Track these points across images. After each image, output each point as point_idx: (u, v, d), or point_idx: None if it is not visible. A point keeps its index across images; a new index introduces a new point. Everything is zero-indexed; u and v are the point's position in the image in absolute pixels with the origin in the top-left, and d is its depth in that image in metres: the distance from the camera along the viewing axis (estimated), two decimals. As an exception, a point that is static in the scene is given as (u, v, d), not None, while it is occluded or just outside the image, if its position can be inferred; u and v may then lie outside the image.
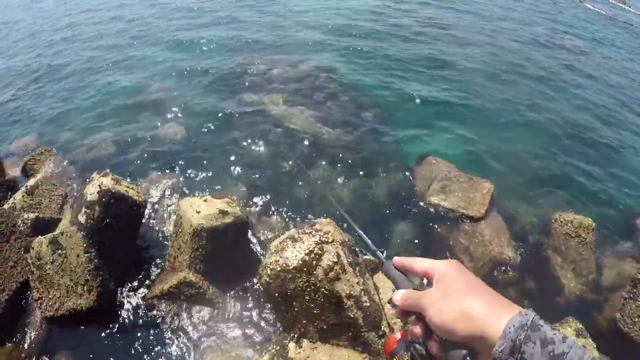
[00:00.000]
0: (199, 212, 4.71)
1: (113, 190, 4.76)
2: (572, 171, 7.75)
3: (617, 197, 7.33)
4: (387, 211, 6.56)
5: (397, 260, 1.27)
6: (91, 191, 4.73)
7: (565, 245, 6.16)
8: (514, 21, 15.63)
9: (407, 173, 7.24)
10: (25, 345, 4.77)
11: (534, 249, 6.24)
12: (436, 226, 6.34)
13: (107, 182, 4.81)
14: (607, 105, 10.19)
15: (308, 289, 3.86)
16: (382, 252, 1.51)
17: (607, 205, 7.14)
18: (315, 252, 3.86)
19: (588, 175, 7.73)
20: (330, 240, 3.97)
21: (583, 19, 17.00)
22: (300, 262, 3.81)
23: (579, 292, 5.77)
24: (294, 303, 3.99)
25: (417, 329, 1.11)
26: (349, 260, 3.98)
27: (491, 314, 0.93)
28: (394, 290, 1.23)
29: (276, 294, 4.02)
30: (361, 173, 7.18)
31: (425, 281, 1.20)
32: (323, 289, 3.81)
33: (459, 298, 1.00)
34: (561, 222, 6.32)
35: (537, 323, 0.87)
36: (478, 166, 7.48)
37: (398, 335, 1.26)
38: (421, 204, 6.64)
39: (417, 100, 9.49)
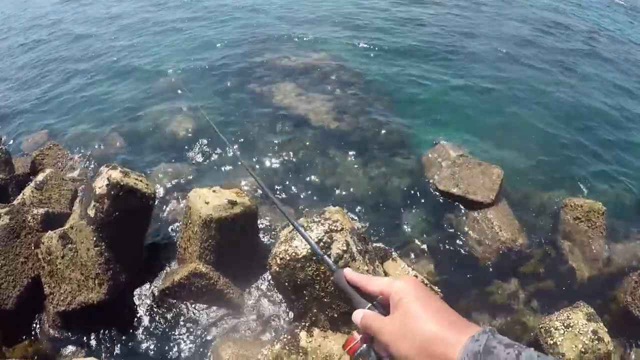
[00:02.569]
0: (207, 203, 4.71)
1: (122, 183, 4.76)
2: (582, 156, 7.71)
3: (627, 181, 7.29)
4: (397, 198, 6.57)
5: (349, 274, 1.19)
6: (100, 184, 4.74)
7: (576, 229, 6.13)
8: (525, 7, 15.47)
9: (416, 160, 7.23)
10: (39, 340, 4.82)
11: (544, 233, 6.22)
12: (446, 212, 6.34)
13: (116, 175, 4.81)
14: (618, 90, 10.11)
15: (317, 278, 3.86)
16: (329, 257, 1.42)
17: (617, 190, 7.10)
18: (324, 240, 3.86)
19: (598, 160, 7.69)
20: (339, 229, 3.96)
21: (595, 4, 16.80)
22: (309, 251, 3.81)
23: (590, 276, 5.75)
24: (304, 292, 4.00)
25: (383, 352, 1.07)
26: (358, 248, 3.98)
27: (448, 346, 0.89)
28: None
29: (286, 283, 4.03)
30: (371, 161, 7.18)
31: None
32: (333, 278, 3.80)
33: (417, 332, 0.94)
34: (571, 206, 6.28)
35: (490, 346, 0.83)
36: (488, 152, 7.46)
37: (357, 336, 1.15)
38: (431, 190, 6.64)
39: (427, 88, 9.45)
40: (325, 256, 1.39)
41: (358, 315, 1.10)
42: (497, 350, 0.82)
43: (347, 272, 1.19)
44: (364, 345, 1.12)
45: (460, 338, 0.88)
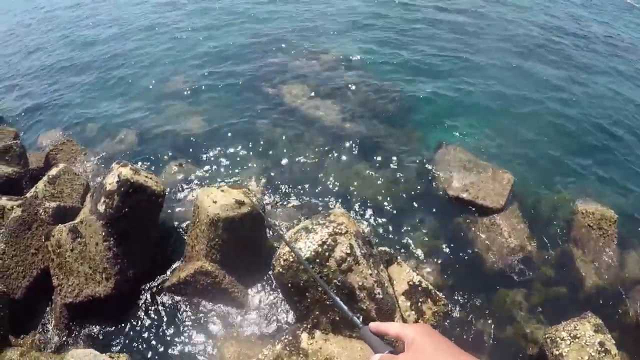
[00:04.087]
0: (215, 202, 4.74)
1: (132, 180, 4.81)
2: (593, 162, 7.59)
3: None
4: (406, 201, 6.54)
5: (373, 325, 1.33)
6: (110, 181, 4.79)
7: (587, 237, 6.06)
8: (537, 11, 15.28)
9: (427, 163, 7.19)
10: (47, 330, 4.90)
11: (554, 241, 6.15)
12: (455, 217, 6.30)
13: (126, 172, 4.86)
14: (632, 96, 9.92)
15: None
16: (358, 318, 1.57)
17: (630, 198, 6.98)
18: (328, 243, 3.86)
19: (610, 166, 7.57)
20: (343, 232, 3.96)
21: (608, 8, 16.52)
22: (313, 253, 3.82)
23: (599, 285, 5.67)
24: (307, 294, 4.01)
25: None
26: (362, 251, 3.98)
27: None
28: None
29: (289, 285, 4.04)
30: (380, 163, 7.16)
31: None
32: (336, 280, 3.82)
33: None
34: (582, 213, 6.22)
35: None
36: (498, 156, 7.39)
37: None
38: (441, 194, 6.60)
39: (438, 92, 9.38)
40: (354, 317, 1.53)
41: (375, 358, 1.21)
42: None
43: (372, 325, 1.32)
44: None
45: None
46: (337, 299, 1.75)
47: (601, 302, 5.50)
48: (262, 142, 7.67)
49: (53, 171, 6.05)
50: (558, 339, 4.38)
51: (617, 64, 11.31)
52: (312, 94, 9.07)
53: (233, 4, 15.50)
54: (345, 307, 1.63)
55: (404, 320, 4.08)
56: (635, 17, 15.70)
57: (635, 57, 11.84)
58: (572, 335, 4.35)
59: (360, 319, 1.59)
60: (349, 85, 9.39)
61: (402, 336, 1.20)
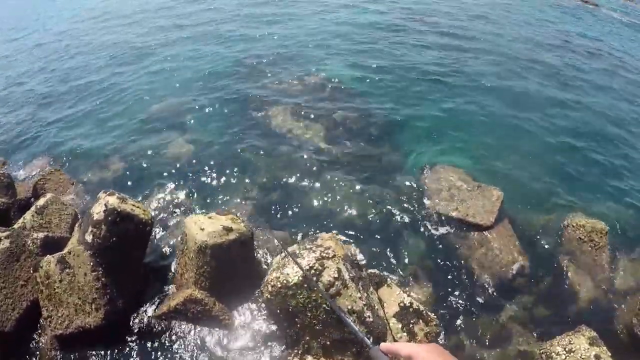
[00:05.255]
0: (203, 229, 4.73)
1: (119, 209, 4.80)
2: (583, 175, 7.63)
3: (629, 200, 7.19)
4: (396, 222, 6.52)
5: (384, 346, 1.39)
6: (97, 210, 4.78)
7: (578, 250, 6.07)
8: (523, 27, 15.48)
9: (415, 183, 7.18)
10: (37, 363, 4.84)
11: (546, 255, 6.15)
12: (445, 236, 6.28)
13: (113, 201, 4.85)
14: (619, 109, 10.02)
15: (309, 305, 3.84)
16: (369, 338, 1.66)
17: (619, 209, 7.00)
18: (315, 268, 3.84)
19: (599, 179, 7.61)
20: (331, 256, 3.95)
21: (592, 21, 16.76)
22: (300, 278, 3.80)
23: (593, 298, 5.67)
24: (296, 319, 3.98)
25: None
26: (351, 275, 3.96)
27: None
28: None
29: (278, 311, 4.02)
30: (369, 184, 7.15)
31: None
32: (324, 305, 3.79)
33: None
34: (573, 226, 6.24)
35: None
36: (487, 173, 7.40)
37: None
38: (430, 213, 6.59)
39: (426, 110, 9.43)
40: (365, 337, 1.64)
41: None
42: None
43: (382, 345, 1.41)
44: None
45: None
46: (349, 320, 1.87)
47: (595, 314, 5.49)
48: (249, 166, 7.65)
49: (41, 201, 6.03)
50: (553, 353, 4.37)
51: (606, 80, 11.45)
52: (299, 116, 9.08)
53: (218, 28, 15.61)
54: (356, 328, 1.76)
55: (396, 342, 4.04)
56: (625, 32, 15.91)
57: (627, 74, 11.97)
58: (567, 349, 4.34)
59: (371, 339, 1.63)
60: (336, 107, 9.41)
61: (414, 356, 1.25)
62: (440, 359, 1.20)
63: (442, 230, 6.34)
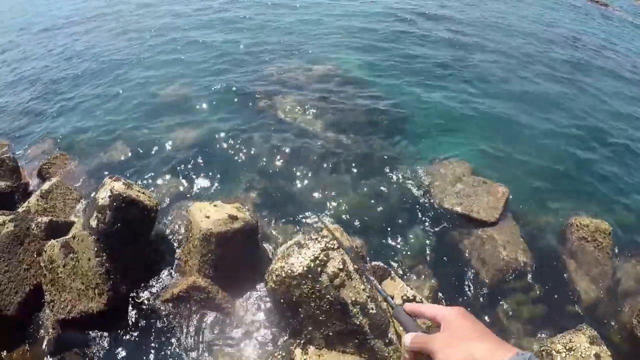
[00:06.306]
0: (208, 217, 4.73)
1: (124, 195, 4.79)
2: (588, 174, 7.61)
3: (634, 200, 7.17)
4: (401, 216, 6.51)
5: (408, 305, 1.39)
6: (102, 196, 4.78)
7: (581, 250, 6.05)
8: (532, 24, 15.41)
9: (421, 177, 7.16)
10: (38, 347, 4.85)
11: (549, 253, 6.14)
12: (449, 231, 6.28)
13: (119, 186, 4.85)
14: (627, 110, 9.98)
15: (313, 296, 3.84)
16: (392, 298, 1.61)
17: (624, 209, 6.99)
18: (320, 258, 3.84)
19: (605, 178, 7.59)
20: (336, 247, 3.95)
21: (600, 21, 16.66)
22: (305, 268, 3.80)
23: (594, 298, 5.66)
24: (300, 309, 3.98)
25: None
26: (355, 266, 3.96)
27: (491, 357, 1.01)
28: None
29: (282, 300, 4.02)
30: (375, 177, 7.14)
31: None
32: (328, 296, 3.79)
33: (464, 343, 1.09)
34: (577, 226, 6.22)
35: None
36: (493, 169, 7.38)
37: None
38: (435, 208, 6.58)
39: (432, 104, 9.41)
40: (388, 297, 1.62)
41: (409, 337, 1.28)
42: None
43: (407, 305, 1.40)
44: None
45: (505, 354, 0.99)
46: (372, 278, 1.98)
47: (596, 313, 5.49)
48: (255, 156, 7.64)
49: (45, 185, 6.04)
50: (553, 351, 4.35)
51: (615, 80, 11.41)
52: (306, 106, 9.07)
53: (228, 15, 15.56)
54: (380, 287, 1.79)
55: (398, 335, 4.05)
56: (635, 33, 15.81)
57: (636, 75, 11.91)
58: (567, 347, 4.33)
59: (394, 299, 1.63)
60: (343, 98, 9.40)
61: (439, 318, 1.23)
62: (466, 322, 1.18)
63: (446, 225, 6.33)
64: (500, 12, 16.09)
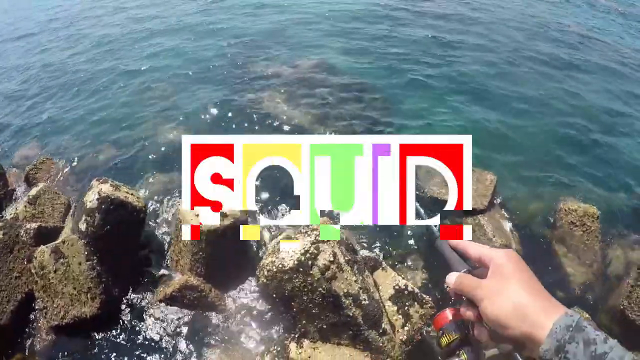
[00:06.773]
0: (197, 215, 4.72)
1: (112, 197, 4.78)
2: (576, 160, 7.66)
3: (622, 185, 7.24)
4: (388, 206, 6.50)
5: (453, 241, 1.32)
6: (90, 198, 4.76)
7: (570, 234, 6.10)
8: (518, 10, 15.47)
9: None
10: (33, 355, 4.83)
11: (538, 239, 6.20)
12: (437, 220, 6.28)
13: (106, 188, 4.83)
14: (614, 94, 10.05)
15: (305, 289, 3.86)
16: (436, 227, 1.52)
17: (611, 193, 7.05)
18: (310, 251, 3.85)
19: (593, 163, 7.64)
20: (326, 239, 3.96)
21: (590, 9, 16.76)
22: (295, 262, 3.82)
23: (585, 281, 5.72)
24: (292, 303, 4.00)
25: (470, 313, 1.14)
26: (346, 258, 3.98)
27: (542, 314, 0.97)
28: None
29: (274, 295, 4.04)
30: (361, 168, 7.13)
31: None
32: (320, 289, 3.81)
33: (514, 294, 1.02)
34: (565, 211, 6.26)
35: (582, 324, 0.91)
36: (480, 156, 7.39)
37: (449, 313, 1.26)
38: (423, 197, 6.59)
39: (420, 93, 9.44)
40: (433, 225, 1.54)
41: (453, 277, 1.20)
42: (588, 329, 0.90)
43: (452, 240, 1.34)
44: (457, 321, 1.23)
45: (555, 311, 0.97)
46: (418, 205, 1.80)
47: (587, 297, 5.56)
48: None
49: (33, 191, 5.99)
50: (545, 335, 4.40)
51: (603, 69, 11.38)
52: (291, 100, 9.05)
53: (212, 12, 15.51)
54: (422, 210, 1.74)
55: (392, 325, 4.07)
56: (623, 22, 15.92)
57: (624, 64, 11.98)
58: (559, 331, 4.37)
59: (437, 228, 1.51)
60: (329, 91, 9.39)
61: (486, 259, 1.14)
62: (517, 269, 1.08)
63: (435, 214, 6.34)
64: (491, 3, 16.07)
